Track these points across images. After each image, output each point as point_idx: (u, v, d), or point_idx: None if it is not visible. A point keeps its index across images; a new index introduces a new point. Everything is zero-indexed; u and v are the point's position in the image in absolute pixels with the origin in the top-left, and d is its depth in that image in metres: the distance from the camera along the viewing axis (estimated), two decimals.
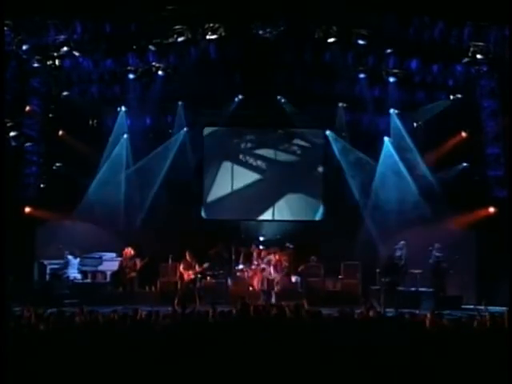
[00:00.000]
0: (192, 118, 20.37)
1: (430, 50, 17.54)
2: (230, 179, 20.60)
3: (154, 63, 18.47)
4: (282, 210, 20.60)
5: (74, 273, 18.15)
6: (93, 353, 6.47)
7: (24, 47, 17.18)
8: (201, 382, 6.10)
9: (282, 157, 20.77)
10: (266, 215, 20.59)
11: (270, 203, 20.57)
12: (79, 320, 8.94)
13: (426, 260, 17.98)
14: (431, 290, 17.52)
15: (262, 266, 18.20)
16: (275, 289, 17.82)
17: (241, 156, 20.78)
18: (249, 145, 20.91)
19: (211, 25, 17.38)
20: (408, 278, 17.84)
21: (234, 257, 19.04)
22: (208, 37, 17.46)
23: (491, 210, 18.31)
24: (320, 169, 20.76)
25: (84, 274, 18.34)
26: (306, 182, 20.75)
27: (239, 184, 20.59)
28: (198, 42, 17.66)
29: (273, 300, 17.27)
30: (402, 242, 18.13)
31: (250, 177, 20.65)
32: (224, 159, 20.72)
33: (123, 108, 19.73)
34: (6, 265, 14.23)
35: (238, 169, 20.70)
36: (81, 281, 18.16)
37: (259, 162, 20.74)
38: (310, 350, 6.54)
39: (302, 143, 20.89)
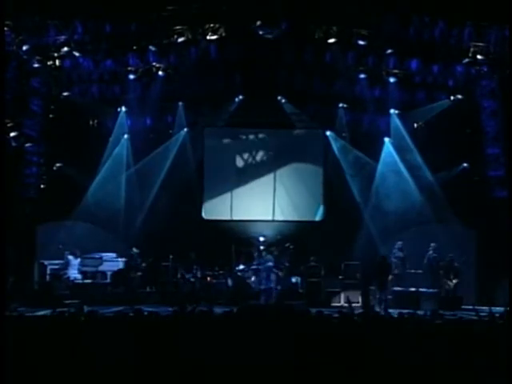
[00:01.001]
0: (192, 118, 20.37)
1: (430, 51, 17.56)
2: (230, 179, 20.58)
3: (154, 63, 18.49)
4: (282, 210, 20.58)
5: (74, 273, 18.15)
6: (93, 353, 6.47)
7: (24, 47, 17.19)
8: (201, 381, 6.10)
9: (282, 157, 20.75)
10: (267, 216, 20.56)
11: (270, 203, 20.54)
12: (79, 320, 8.93)
13: (424, 260, 18.08)
14: (431, 290, 17.55)
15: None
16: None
17: (241, 156, 20.77)
18: (249, 145, 20.90)
19: (211, 25, 17.40)
20: (408, 277, 17.86)
21: (234, 257, 19.05)
22: (208, 37, 17.48)
23: None
24: (320, 169, 20.72)
25: (84, 274, 18.34)
26: (306, 182, 20.72)
27: (239, 184, 20.58)
28: (198, 42, 17.68)
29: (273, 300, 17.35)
30: (400, 243, 18.19)
31: (251, 177, 20.63)
32: (224, 159, 20.70)
33: (123, 108, 19.73)
34: (7, 265, 14.28)
35: (238, 169, 20.68)
36: (81, 281, 18.15)
37: (259, 162, 20.72)
38: (310, 350, 6.54)
39: (302, 143, 20.86)
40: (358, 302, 17.64)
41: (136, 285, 18.05)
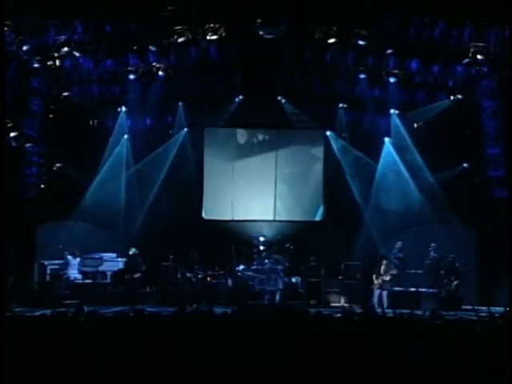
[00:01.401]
0: (192, 118, 20.36)
1: (430, 51, 17.55)
2: (231, 179, 20.57)
3: (154, 63, 18.49)
4: (282, 210, 20.58)
5: (74, 273, 18.14)
6: (93, 353, 6.47)
7: (24, 47, 17.18)
8: (202, 381, 6.10)
9: (282, 157, 20.75)
10: (267, 216, 20.56)
11: (270, 203, 20.53)
12: (79, 320, 8.94)
13: (425, 260, 18.06)
14: (431, 290, 17.55)
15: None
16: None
17: (241, 156, 20.75)
18: (248, 145, 20.89)
19: (211, 25, 17.40)
20: (408, 278, 17.86)
21: (234, 257, 19.03)
22: (208, 37, 17.48)
23: None
24: (320, 169, 20.71)
25: (84, 274, 18.33)
26: (306, 183, 20.73)
27: (239, 184, 20.57)
28: (198, 42, 17.68)
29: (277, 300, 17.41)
30: (400, 243, 18.19)
31: (251, 177, 20.61)
32: (224, 159, 20.69)
33: (123, 108, 19.71)
34: (7, 265, 14.29)
35: (238, 169, 20.67)
36: (81, 281, 18.14)
37: (259, 162, 20.70)
38: (310, 350, 6.54)
39: (302, 143, 20.87)
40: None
41: (136, 285, 18.01)
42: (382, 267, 17.39)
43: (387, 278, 17.28)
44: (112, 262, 18.62)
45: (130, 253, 18.11)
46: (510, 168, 17.68)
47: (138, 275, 17.96)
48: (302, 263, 18.94)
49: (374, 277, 17.50)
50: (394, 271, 17.46)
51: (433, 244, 18.04)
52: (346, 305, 17.62)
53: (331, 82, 19.12)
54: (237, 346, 6.62)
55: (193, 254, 18.33)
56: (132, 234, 19.16)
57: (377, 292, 17.33)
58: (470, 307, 16.46)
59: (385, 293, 17.25)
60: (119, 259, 18.64)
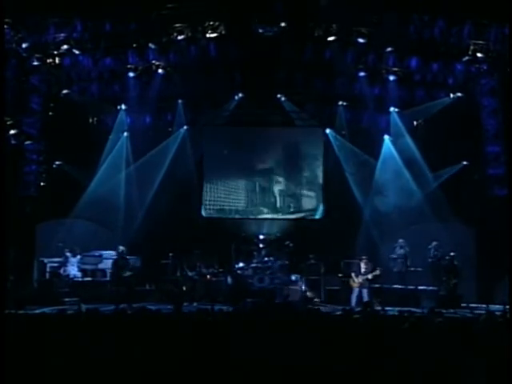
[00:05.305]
0: (192, 116, 20.38)
1: (430, 49, 17.55)
2: (230, 177, 20.58)
3: (153, 61, 18.48)
4: (281, 207, 20.59)
5: (73, 270, 18.13)
6: (94, 352, 6.48)
7: (24, 45, 17.19)
8: (202, 379, 6.11)
9: (282, 154, 20.75)
10: (266, 214, 20.57)
11: (270, 201, 20.54)
12: (79, 318, 8.95)
13: (425, 258, 18.04)
14: (431, 288, 17.54)
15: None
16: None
17: (240, 154, 20.74)
18: (248, 142, 20.88)
19: (211, 23, 17.39)
20: (408, 275, 17.86)
21: (234, 255, 19.04)
22: (208, 35, 17.47)
23: None
24: (320, 167, 20.71)
25: (84, 272, 18.31)
26: (306, 180, 20.73)
27: (239, 182, 20.58)
28: (197, 40, 17.67)
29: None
30: (402, 240, 18.16)
31: (250, 174, 20.62)
32: (224, 157, 20.69)
33: (123, 106, 19.72)
34: (6, 264, 14.29)
35: (237, 167, 20.66)
36: (80, 279, 18.13)
37: (259, 160, 20.70)
38: (310, 349, 6.55)
39: (302, 141, 20.86)
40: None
41: (129, 283, 17.79)
42: (362, 266, 17.33)
43: (370, 277, 17.14)
44: (111, 260, 18.59)
45: (119, 250, 17.94)
46: (510, 166, 17.66)
47: (128, 273, 17.75)
48: (301, 261, 18.94)
49: (353, 275, 17.36)
50: (377, 272, 17.20)
51: (434, 242, 18.01)
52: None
53: (331, 80, 19.13)
54: (236, 344, 6.62)
55: (196, 251, 18.31)
56: (131, 231, 19.15)
57: (356, 291, 17.23)
58: (469, 305, 16.45)
59: (365, 290, 17.13)
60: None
